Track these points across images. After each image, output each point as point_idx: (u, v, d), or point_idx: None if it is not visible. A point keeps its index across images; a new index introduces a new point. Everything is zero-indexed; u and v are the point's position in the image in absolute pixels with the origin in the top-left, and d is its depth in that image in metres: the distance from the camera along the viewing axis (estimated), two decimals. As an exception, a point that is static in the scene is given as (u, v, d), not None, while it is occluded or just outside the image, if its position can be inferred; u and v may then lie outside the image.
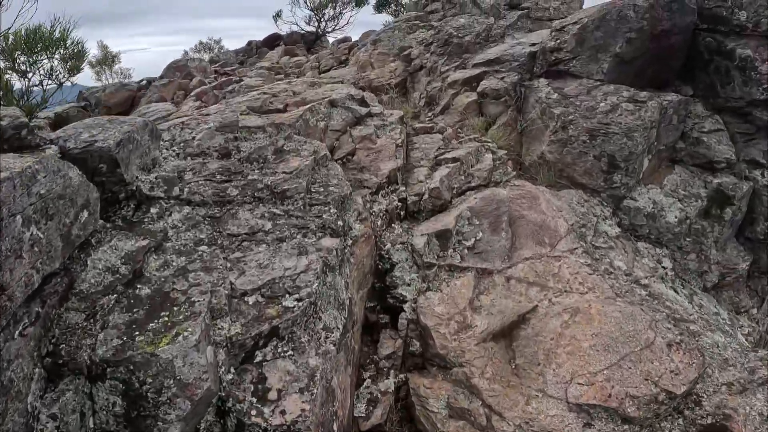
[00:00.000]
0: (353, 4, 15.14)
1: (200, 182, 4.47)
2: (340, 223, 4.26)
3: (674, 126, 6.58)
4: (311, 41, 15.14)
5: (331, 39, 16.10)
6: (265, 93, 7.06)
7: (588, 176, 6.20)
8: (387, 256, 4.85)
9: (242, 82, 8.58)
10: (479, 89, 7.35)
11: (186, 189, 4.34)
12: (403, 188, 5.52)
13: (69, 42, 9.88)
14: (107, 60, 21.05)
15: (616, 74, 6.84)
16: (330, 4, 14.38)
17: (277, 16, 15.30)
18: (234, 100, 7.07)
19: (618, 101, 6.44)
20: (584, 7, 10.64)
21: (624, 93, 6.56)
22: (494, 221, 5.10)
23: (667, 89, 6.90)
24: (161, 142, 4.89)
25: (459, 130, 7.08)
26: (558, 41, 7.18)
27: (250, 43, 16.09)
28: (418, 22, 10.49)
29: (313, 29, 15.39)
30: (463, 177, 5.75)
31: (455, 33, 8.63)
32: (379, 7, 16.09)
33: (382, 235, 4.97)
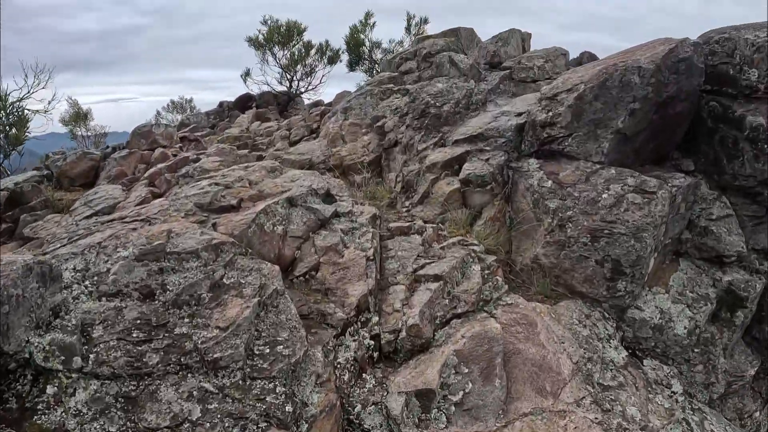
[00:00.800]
0: (325, 61, 14.37)
1: (112, 343, 3.48)
2: (288, 408, 3.27)
3: (681, 215, 5.80)
4: (285, 102, 14.33)
5: (305, 99, 15.32)
6: (217, 184, 6.11)
7: (589, 284, 5.40)
8: (357, 421, 3.85)
9: (198, 163, 7.63)
10: (462, 176, 6.48)
11: (92, 356, 3.35)
12: (376, 319, 4.57)
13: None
14: (79, 117, 20.06)
15: (617, 154, 5.99)
16: (300, 62, 13.58)
17: (246, 75, 14.49)
18: (182, 192, 6.13)
19: (623, 191, 5.58)
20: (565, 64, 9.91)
21: (629, 180, 5.67)
22: (486, 366, 4.15)
23: (666, 164, 6.21)
24: (73, 273, 3.89)
25: (440, 227, 6.16)
26: (550, 113, 6.33)
27: (221, 104, 15.27)
28: (392, 85, 9.69)
29: (286, 89, 14.55)
30: (447, 301, 4.80)
31: (432, 102, 7.79)
32: (352, 65, 15.38)
33: (350, 392, 3.98)
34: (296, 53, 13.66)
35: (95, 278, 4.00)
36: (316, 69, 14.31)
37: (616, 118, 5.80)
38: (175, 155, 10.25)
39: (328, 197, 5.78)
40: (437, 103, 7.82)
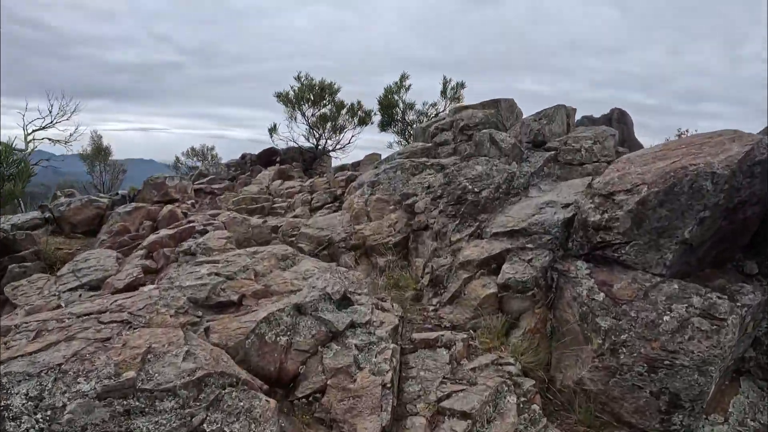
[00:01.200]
0: (355, 122, 13.82)
1: None
2: None
3: (748, 335, 5.07)
4: (310, 159, 13.75)
5: (333, 157, 14.72)
6: (218, 274, 5.39)
7: (639, 415, 4.71)
8: None
9: (204, 238, 6.93)
10: (501, 279, 5.67)
11: None
12: (388, 471, 3.65)
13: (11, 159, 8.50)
14: (99, 152, 19.69)
15: (680, 265, 5.25)
16: (330, 122, 13.03)
17: (273, 130, 13.95)
18: (177, 279, 5.42)
19: (687, 314, 4.81)
20: (614, 145, 9.12)
21: (694, 300, 4.90)
22: None
23: (727, 266, 5.47)
24: (25, 402, 3.16)
25: (471, 336, 5.30)
26: (605, 215, 5.56)
27: (244, 156, 14.76)
28: (425, 158, 8.99)
29: (312, 145, 13.97)
30: (476, 449, 3.89)
31: (470, 186, 7.04)
32: (384, 126, 14.82)
33: None
34: (327, 113, 13.13)
35: (49, 413, 3.24)
36: (346, 128, 13.78)
37: (682, 227, 5.08)
38: (185, 214, 9.63)
39: (344, 300, 4.99)
40: (475, 189, 7.08)
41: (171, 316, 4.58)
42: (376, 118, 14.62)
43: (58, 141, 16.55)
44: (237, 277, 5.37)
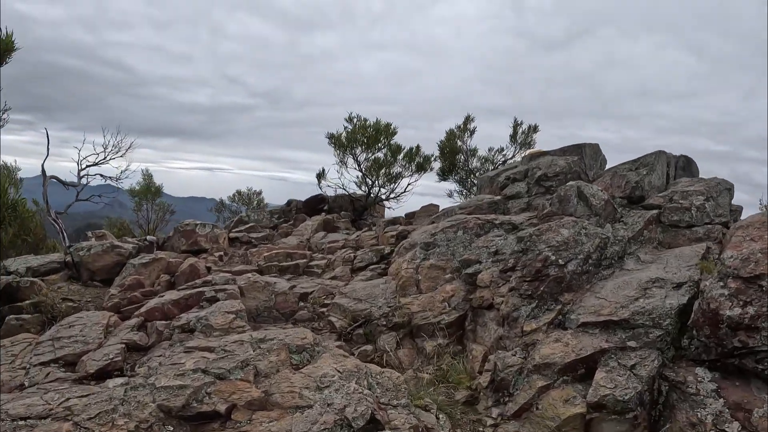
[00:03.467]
0: (413, 168, 12.50)
1: None
2: None
3: None
4: (361, 209, 12.49)
5: (386, 207, 13.42)
6: (205, 371, 4.10)
7: None
8: None
9: (207, 311, 5.71)
10: (593, 397, 4.20)
11: None
12: None
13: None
14: (150, 191, 18.99)
15: None
16: (384, 168, 11.78)
17: (321, 176, 12.81)
18: (159, 368, 4.24)
19: None
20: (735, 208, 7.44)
21: None
22: None
23: None
24: None
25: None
26: (747, 308, 4.04)
27: (289, 203, 13.71)
28: (492, 216, 7.60)
29: (364, 193, 12.73)
30: None
31: (553, 258, 5.61)
32: (444, 174, 13.45)
33: None
34: (381, 157, 11.91)
35: None
36: (402, 176, 12.49)
37: None
38: (208, 269, 8.51)
39: (371, 424, 3.54)
40: (560, 260, 5.64)
41: (130, 433, 3.31)
42: (436, 164, 13.31)
43: (110, 177, 16.43)
44: (231, 376, 4.11)
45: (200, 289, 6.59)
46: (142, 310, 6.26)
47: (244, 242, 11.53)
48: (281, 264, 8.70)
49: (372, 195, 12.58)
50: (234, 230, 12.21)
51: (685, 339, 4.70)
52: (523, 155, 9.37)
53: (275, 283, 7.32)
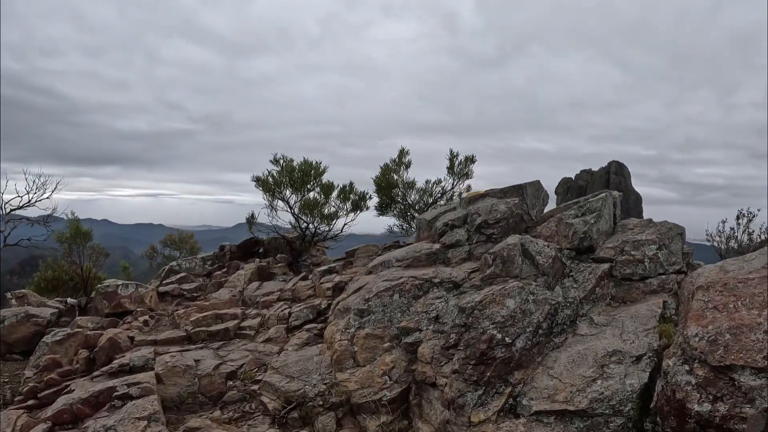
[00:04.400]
0: (348, 207, 11.92)
1: None
2: None
3: None
4: (298, 252, 11.79)
5: (324, 247, 12.77)
6: None
7: None
8: None
9: (114, 419, 4.98)
10: None
11: None
12: None
13: None
14: (78, 236, 17.46)
15: None
16: (317, 209, 11.14)
17: (251, 222, 12.05)
18: None
19: None
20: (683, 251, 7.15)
21: None
22: None
23: None
24: None
25: None
26: (718, 405, 3.89)
27: (222, 247, 12.91)
28: (431, 271, 7.12)
29: (299, 233, 12.04)
30: None
31: (499, 336, 5.19)
32: (383, 209, 12.92)
33: None
34: (312, 198, 11.26)
35: None
36: (338, 215, 11.89)
37: None
38: (131, 339, 7.74)
39: None
40: (506, 338, 5.20)
41: None
42: (372, 201, 12.73)
43: (36, 221, 15.42)
44: None
45: (112, 384, 5.81)
46: (49, 414, 5.49)
47: (176, 296, 10.71)
48: (210, 329, 7.97)
49: (307, 236, 11.93)
50: (165, 282, 11.38)
51: (648, 423, 4.30)
52: (462, 195, 8.93)
53: (199, 362, 6.62)
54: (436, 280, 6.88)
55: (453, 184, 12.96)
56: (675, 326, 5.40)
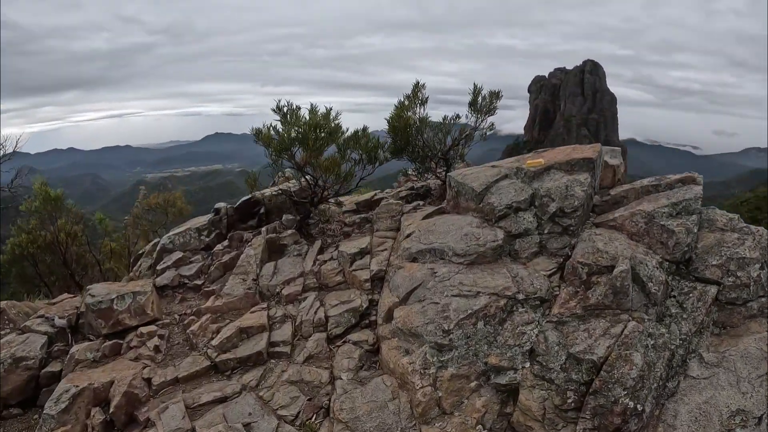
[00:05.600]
0: (364, 159, 10.69)
1: None
2: None
3: None
4: (306, 211, 10.72)
5: (334, 202, 11.70)
6: None
7: None
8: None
9: None
10: None
11: None
12: None
13: None
14: (48, 201, 15.34)
15: None
16: (336, 170, 9.87)
17: (252, 183, 10.79)
18: None
19: None
20: None
21: None
22: None
23: None
24: None
25: None
26: None
27: (217, 211, 11.62)
28: (502, 280, 6.52)
29: (306, 187, 10.91)
30: None
31: (631, 404, 4.78)
32: (398, 152, 11.72)
33: None
34: (329, 159, 9.97)
35: None
36: (353, 174, 10.69)
37: None
38: (148, 381, 6.74)
39: None
40: (638, 405, 4.83)
41: None
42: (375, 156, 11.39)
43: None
44: None
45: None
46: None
47: (176, 287, 9.63)
48: (238, 354, 7.08)
49: (317, 195, 10.85)
50: (160, 269, 10.22)
51: None
52: (522, 171, 7.83)
53: (250, 427, 5.75)
54: (520, 296, 6.09)
55: (477, 122, 11.86)
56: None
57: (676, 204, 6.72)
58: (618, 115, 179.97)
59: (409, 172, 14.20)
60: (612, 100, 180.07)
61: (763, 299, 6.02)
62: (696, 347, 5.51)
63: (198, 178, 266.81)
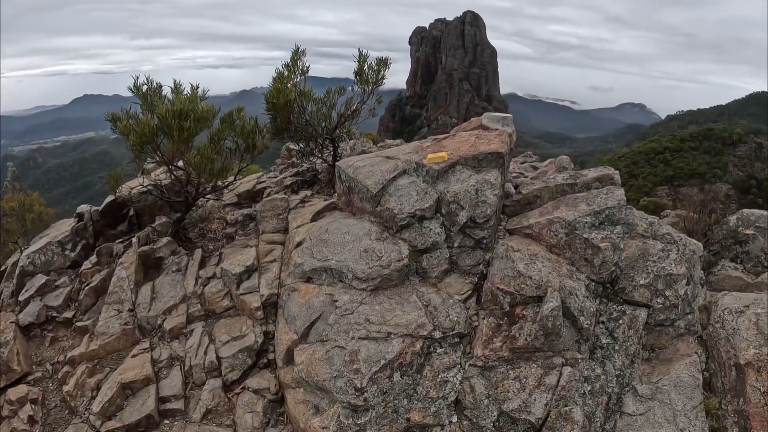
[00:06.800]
0: (241, 149, 9.63)
1: None
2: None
3: None
4: (182, 209, 9.69)
5: (212, 199, 10.66)
6: None
7: None
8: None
9: None
10: None
11: None
12: None
13: None
14: None
15: None
16: (210, 167, 8.79)
17: (115, 183, 9.50)
18: None
19: None
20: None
21: None
22: None
23: None
24: None
25: None
26: None
27: (80, 216, 10.23)
28: (414, 313, 6.05)
29: (178, 181, 9.80)
30: None
31: None
32: (280, 133, 10.74)
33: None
34: (200, 153, 8.83)
35: None
36: (231, 168, 9.66)
37: None
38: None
39: None
40: None
41: None
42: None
43: None
44: None
45: None
46: None
47: (44, 325, 8.30)
48: (124, 418, 6.07)
49: (190, 193, 9.76)
50: (22, 301, 8.86)
51: None
52: (418, 158, 7.15)
53: None
54: (437, 334, 5.57)
55: (365, 94, 11.04)
56: (718, 402, 5.47)
57: (598, 213, 6.40)
58: (498, 69, 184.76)
59: (292, 147, 13.39)
60: (493, 53, 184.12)
61: (689, 316, 5.93)
62: (629, 380, 5.30)
63: (71, 148, 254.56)
